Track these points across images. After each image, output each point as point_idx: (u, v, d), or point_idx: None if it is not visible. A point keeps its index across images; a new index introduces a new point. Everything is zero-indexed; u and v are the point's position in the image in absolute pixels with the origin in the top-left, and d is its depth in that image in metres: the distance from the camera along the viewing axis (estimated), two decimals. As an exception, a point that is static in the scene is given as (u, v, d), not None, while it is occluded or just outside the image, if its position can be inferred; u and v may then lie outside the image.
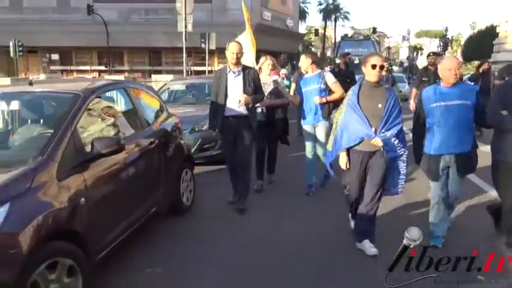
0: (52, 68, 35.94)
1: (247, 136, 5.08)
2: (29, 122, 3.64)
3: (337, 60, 17.08)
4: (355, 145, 3.76)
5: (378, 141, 3.65)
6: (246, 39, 7.15)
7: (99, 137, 3.29)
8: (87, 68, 36.83)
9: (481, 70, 10.78)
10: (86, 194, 3.03)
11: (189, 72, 28.27)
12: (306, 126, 5.69)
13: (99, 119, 3.59)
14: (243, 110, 5.01)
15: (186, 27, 14.20)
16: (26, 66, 34.42)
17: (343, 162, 3.86)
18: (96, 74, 36.05)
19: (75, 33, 33.40)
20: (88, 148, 3.17)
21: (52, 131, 3.12)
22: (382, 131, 3.65)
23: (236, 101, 4.98)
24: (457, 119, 3.70)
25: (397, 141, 3.67)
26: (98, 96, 3.68)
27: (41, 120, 3.64)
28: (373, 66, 3.68)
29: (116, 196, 3.48)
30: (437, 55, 10.18)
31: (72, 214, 2.87)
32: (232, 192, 5.42)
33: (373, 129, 3.65)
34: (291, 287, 3.45)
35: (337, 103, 5.67)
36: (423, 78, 8.32)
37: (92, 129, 3.44)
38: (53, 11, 35.88)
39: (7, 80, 8.13)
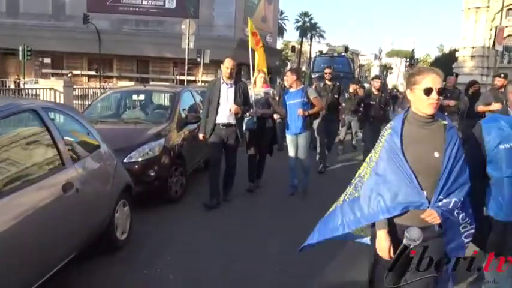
0: (44, 71, 38.00)
1: (234, 143, 5.67)
2: (155, 104, 6.92)
3: (313, 75, 18.88)
4: (393, 217, 2.28)
5: (433, 216, 2.20)
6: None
7: (190, 114, 6.52)
8: (78, 72, 38.49)
9: (470, 92, 8.90)
10: (184, 139, 6.17)
11: (175, 81, 31.07)
12: (289, 135, 6.16)
13: (185, 105, 6.83)
14: (232, 119, 5.56)
15: (188, 45, 17.25)
16: (18, 68, 35.26)
17: (384, 247, 2.30)
18: (86, 79, 38.50)
19: (68, 40, 35.75)
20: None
21: (170, 109, 6.39)
22: (440, 197, 2.20)
23: (227, 110, 5.51)
24: None
25: (462, 215, 2.29)
26: (182, 93, 6.88)
27: (161, 104, 6.94)
28: (428, 91, 2.19)
29: (193, 143, 6.46)
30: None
31: (181, 146, 6.02)
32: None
33: (425, 193, 2.21)
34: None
35: (317, 115, 6.55)
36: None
37: (181, 109, 6.64)
38: (48, 17, 38.31)
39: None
